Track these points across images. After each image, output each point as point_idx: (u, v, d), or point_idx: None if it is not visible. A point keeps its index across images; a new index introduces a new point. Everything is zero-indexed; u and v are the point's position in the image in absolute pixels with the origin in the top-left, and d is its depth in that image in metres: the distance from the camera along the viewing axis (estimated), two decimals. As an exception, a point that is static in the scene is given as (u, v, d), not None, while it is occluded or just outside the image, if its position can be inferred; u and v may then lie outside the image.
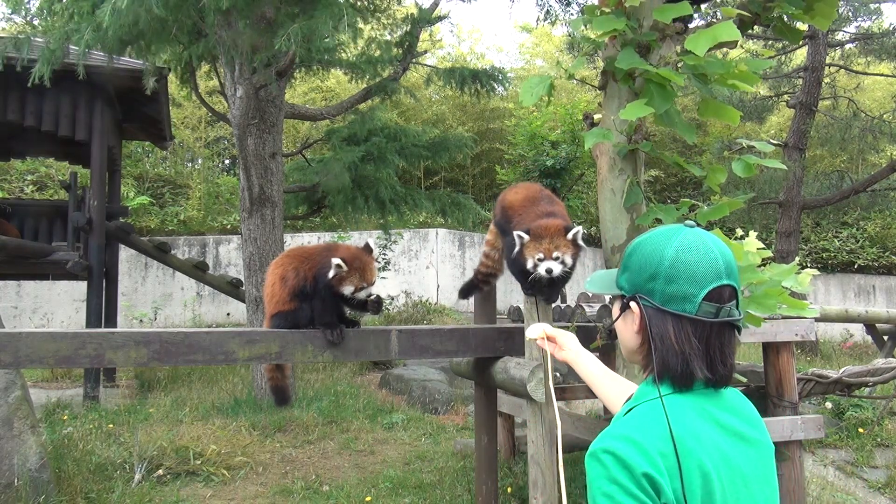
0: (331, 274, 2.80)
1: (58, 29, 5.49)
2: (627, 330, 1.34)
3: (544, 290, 2.92)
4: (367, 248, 2.96)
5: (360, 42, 8.66)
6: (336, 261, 2.78)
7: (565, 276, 2.84)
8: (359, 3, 6.56)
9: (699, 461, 1.15)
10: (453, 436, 6.35)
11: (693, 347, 1.22)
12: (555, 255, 2.74)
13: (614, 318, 1.39)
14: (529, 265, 2.78)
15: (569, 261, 2.77)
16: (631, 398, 1.34)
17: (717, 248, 1.26)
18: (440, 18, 9.39)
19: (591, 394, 5.49)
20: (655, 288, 1.26)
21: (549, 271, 2.73)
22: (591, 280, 1.48)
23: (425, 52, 10.30)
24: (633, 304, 1.30)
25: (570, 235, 2.72)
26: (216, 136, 16.21)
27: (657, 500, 1.12)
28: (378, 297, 3.02)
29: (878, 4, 12.91)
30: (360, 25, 6.27)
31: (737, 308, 1.26)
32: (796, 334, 3.86)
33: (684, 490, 1.13)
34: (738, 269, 1.33)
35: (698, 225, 1.33)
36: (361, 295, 2.91)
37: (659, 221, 2.59)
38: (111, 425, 6.10)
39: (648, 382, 1.29)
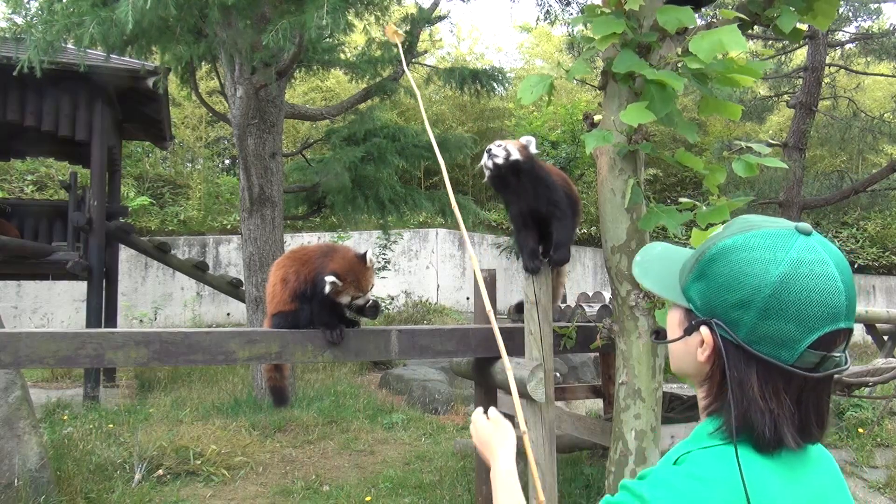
0: (326, 290, 2.82)
1: (59, 22, 5.45)
2: (689, 354, 1.01)
3: None
4: (362, 258, 2.96)
5: (359, 39, 8.66)
6: (329, 278, 2.79)
7: None
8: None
9: None
10: (453, 436, 6.35)
11: (784, 407, 0.92)
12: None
13: (671, 336, 1.05)
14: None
15: None
16: (680, 443, 1.00)
17: (840, 275, 0.91)
18: (440, 18, 9.40)
19: (591, 394, 5.50)
20: (744, 320, 0.91)
21: None
22: (643, 266, 1.09)
23: (425, 52, 10.30)
24: (704, 330, 0.96)
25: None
26: (216, 136, 16.21)
27: None
28: (375, 302, 3.04)
29: (878, 4, 12.91)
30: (351, 18, 6.24)
31: (844, 352, 0.94)
32: (796, 334, 3.86)
33: None
34: None
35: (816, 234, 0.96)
36: (359, 302, 2.93)
37: (663, 229, 2.59)
38: (111, 425, 6.10)
39: (710, 428, 0.97)
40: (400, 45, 2.81)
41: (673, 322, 1.04)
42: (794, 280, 0.89)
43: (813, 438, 0.96)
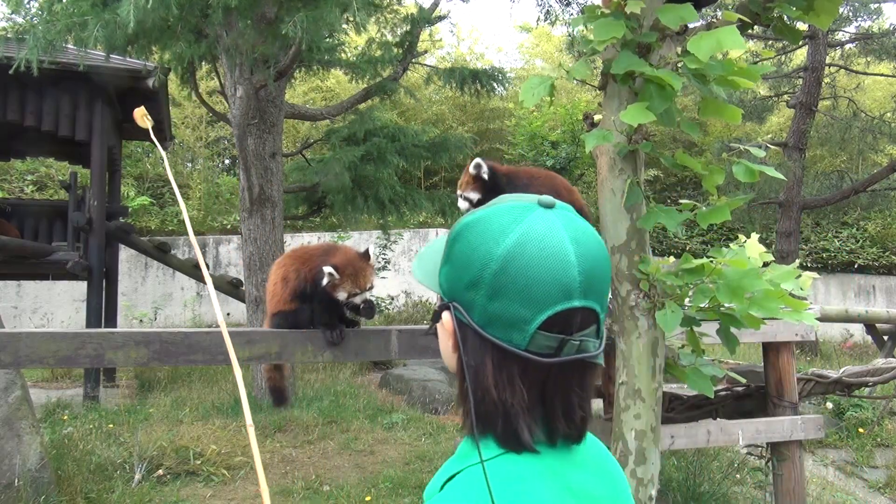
0: (324, 282, 2.81)
1: (61, 23, 5.45)
2: (444, 344, 0.92)
3: None
4: (365, 255, 2.96)
5: (359, 39, 8.66)
6: (328, 269, 2.78)
7: None
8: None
9: None
10: (453, 436, 6.35)
11: (518, 397, 0.82)
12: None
13: (431, 323, 0.95)
14: None
15: None
16: (454, 456, 0.91)
17: (575, 248, 0.82)
18: (440, 18, 9.40)
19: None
20: (476, 301, 0.83)
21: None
22: (419, 259, 0.99)
23: (425, 52, 10.30)
24: (445, 316, 0.88)
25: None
26: (216, 136, 16.21)
27: None
28: (369, 302, 3.02)
29: (878, 4, 12.91)
30: (366, 18, 6.25)
31: (596, 337, 0.86)
32: (796, 334, 3.87)
33: None
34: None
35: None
36: (356, 300, 2.92)
37: (663, 229, 2.59)
38: (111, 425, 6.10)
39: (469, 437, 0.87)
40: (151, 130, 2.53)
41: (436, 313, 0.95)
42: (520, 255, 0.80)
43: (560, 434, 0.85)
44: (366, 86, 8.93)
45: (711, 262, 2.34)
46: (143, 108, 2.49)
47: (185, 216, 2.22)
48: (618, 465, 0.99)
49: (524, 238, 0.81)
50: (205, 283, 9.54)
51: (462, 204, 2.96)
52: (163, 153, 2.44)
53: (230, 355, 1.77)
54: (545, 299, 0.80)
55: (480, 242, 0.83)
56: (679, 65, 2.45)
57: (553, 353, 0.82)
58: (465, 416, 0.86)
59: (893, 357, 6.77)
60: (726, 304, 2.47)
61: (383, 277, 11.07)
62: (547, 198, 0.86)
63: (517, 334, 0.81)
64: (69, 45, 6.21)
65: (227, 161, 16.81)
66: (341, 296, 2.88)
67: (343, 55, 9.01)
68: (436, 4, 9.07)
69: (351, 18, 4.87)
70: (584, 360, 0.85)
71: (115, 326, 9.18)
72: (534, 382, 0.83)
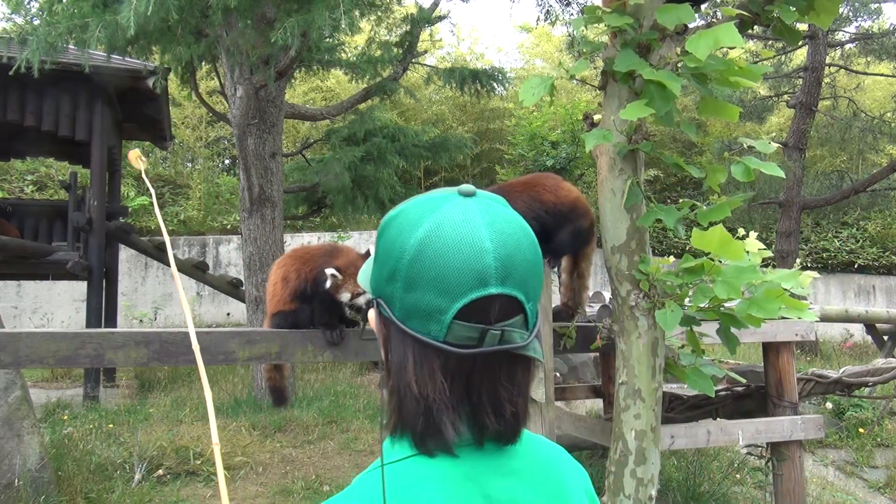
0: (327, 284, 2.81)
1: (62, 24, 5.45)
2: (379, 342, 0.90)
3: None
4: (366, 255, 2.96)
5: (358, 40, 8.67)
6: (330, 271, 2.79)
7: None
8: None
9: None
10: (453, 436, 6.35)
11: (439, 391, 0.78)
12: None
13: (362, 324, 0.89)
14: None
15: None
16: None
17: (491, 233, 0.78)
18: (440, 18, 9.40)
19: (591, 394, 5.50)
20: (395, 294, 0.81)
21: None
22: (364, 265, 0.97)
23: (425, 52, 10.30)
24: (371, 313, 0.88)
25: None
26: (216, 136, 16.22)
27: None
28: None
29: (878, 4, 12.91)
30: (357, 18, 6.26)
31: (526, 328, 0.81)
32: (796, 334, 3.87)
33: None
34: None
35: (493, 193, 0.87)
36: (360, 301, 2.92)
37: (660, 223, 2.59)
38: (111, 425, 6.10)
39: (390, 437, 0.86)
40: (144, 173, 2.55)
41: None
42: (432, 243, 0.78)
43: (490, 432, 0.80)
44: (366, 86, 8.94)
45: (710, 259, 2.34)
46: (137, 150, 2.50)
47: (166, 238, 2.22)
48: (573, 475, 0.92)
49: (437, 226, 0.79)
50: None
51: None
52: (152, 190, 2.44)
53: (195, 354, 1.71)
54: (459, 287, 0.76)
55: (397, 235, 0.81)
56: (679, 64, 2.45)
57: (475, 345, 0.77)
58: (389, 414, 0.85)
59: (893, 357, 6.77)
60: (726, 304, 2.48)
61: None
62: (467, 186, 0.83)
63: (434, 325, 0.78)
64: (70, 46, 6.22)
65: (227, 161, 16.81)
66: (344, 297, 2.88)
67: (343, 55, 9.03)
68: (436, 4, 9.08)
69: (342, 25, 4.88)
70: (510, 351, 0.79)
71: (115, 326, 9.18)
72: (457, 376, 0.79)
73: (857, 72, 13.90)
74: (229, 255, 13.49)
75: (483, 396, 0.80)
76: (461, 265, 0.76)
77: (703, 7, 4.68)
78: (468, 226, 0.78)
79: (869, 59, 13.31)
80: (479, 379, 0.80)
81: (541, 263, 0.84)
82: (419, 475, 0.79)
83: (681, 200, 2.69)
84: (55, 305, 12.12)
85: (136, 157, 2.47)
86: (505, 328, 0.78)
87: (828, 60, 12.90)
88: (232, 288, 9.51)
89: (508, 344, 0.78)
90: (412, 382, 0.79)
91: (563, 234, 3.18)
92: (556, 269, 3.43)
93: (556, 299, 3.74)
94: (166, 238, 2.19)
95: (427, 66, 10.13)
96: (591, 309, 4.42)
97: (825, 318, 6.69)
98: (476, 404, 0.80)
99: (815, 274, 2.64)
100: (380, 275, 0.84)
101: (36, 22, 6.00)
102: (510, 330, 0.79)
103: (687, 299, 2.53)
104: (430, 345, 0.78)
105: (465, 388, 0.80)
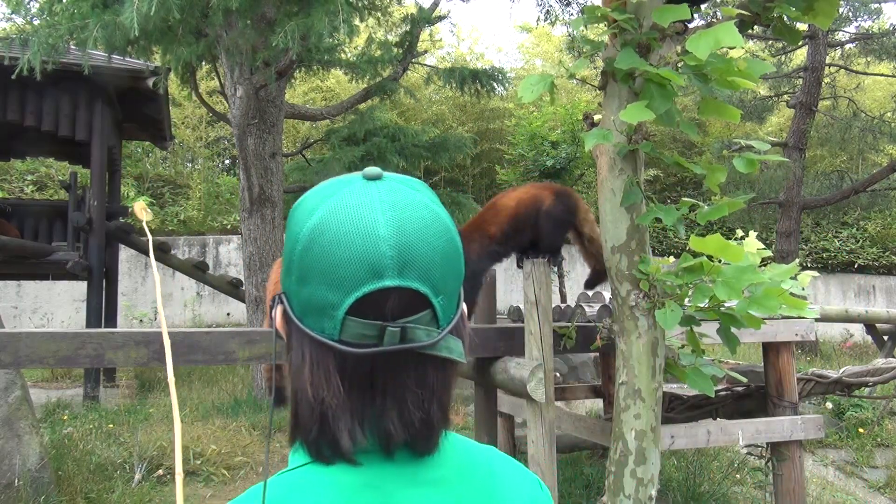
0: None
1: (63, 25, 5.46)
2: None
3: None
4: None
5: (358, 40, 8.67)
6: None
7: None
8: (357, 2, 6.58)
9: None
10: (453, 436, 6.34)
11: (334, 395, 0.70)
12: None
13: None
14: None
15: None
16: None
17: (389, 220, 0.69)
18: (440, 18, 9.41)
19: (591, 394, 5.50)
20: (291, 289, 0.73)
21: None
22: None
23: (425, 52, 10.31)
24: (278, 311, 0.77)
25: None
26: (216, 136, 16.22)
27: None
28: None
29: (878, 4, 12.91)
30: (357, 22, 6.28)
31: (437, 325, 0.72)
32: (796, 334, 3.87)
33: None
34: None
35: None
36: None
37: (659, 222, 2.59)
38: (111, 425, 6.10)
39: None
40: (146, 224, 2.52)
41: None
42: (324, 232, 0.69)
43: (397, 440, 0.71)
44: (366, 86, 8.94)
45: (710, 260, 2.35)
46: (142, 202, 2.47)
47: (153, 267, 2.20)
48: (515, 488, 0.81)
49: (330, 213, 0.70)
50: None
51: None
52: (150, 240, 2.32)
53: (167, 360, 1.59)
54: (351, 280, 0.68)
55: (293, 223, 0.74)
56: (679, 64, 2.45)
57: (374, 343, 0.69)
58: (290, 420, 0.76)
59: (893, 357, 6.77)
60: (726, 304, 2.48)
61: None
62: (373, 170, 0.74)
63: (328, 322, 0.69)
64: (70, 46, 6.22)
65: (227, 161, 16.81)
66: None
67: (343, 55, 9.02)
68: (436, 4, 9.08)
69: (341, 29, 4.90)
70: (417, 351, 0.70)
71: (115, 326, 9.18)
72: (356, 378, 0.70)
73: (857, 72, 13.90)
74: (229, 255, 13.50)
75: (387, 401, 0.71)
76: (353, 255, 0.68)
77: (703, 7, 4.68)
78: (363, 212, 0.69)
79: (869, 59, 13.31)
80: (383, 382, 0.71)
81: (455, 254, 0.74)
82: (310, 483, 0.71)
83: (681, 200, 2.69)
84: (55, 305, 12.12)
85: (140, 208, 2.46)
86: (407, 325, 0.69)
87: (828, 60, 12.90)
88: (232, 288, 9.51)
89: (411, 342, 0.69)
90: (307, 385, 0.71)
91: (539, 231, 3.22)
92: (556, 269, 3.43)
93: (556, 299, 3.74)
94: (151, 256, 2.13)
95: (427, 66, 10.14)
96: (591, 309, 4.43)
97: (825, 318, 6.69)
98: (380, 410, 0.71)
99: (814, 273, 2.64)
100: (283, 268, 0.75)
101: (36, 22, 6.00)
102: (413, 327, 0.70)
103: (687, 299, 2.53)
104: (325, 344, 0.70)
105: (368, 391, 0.71)
